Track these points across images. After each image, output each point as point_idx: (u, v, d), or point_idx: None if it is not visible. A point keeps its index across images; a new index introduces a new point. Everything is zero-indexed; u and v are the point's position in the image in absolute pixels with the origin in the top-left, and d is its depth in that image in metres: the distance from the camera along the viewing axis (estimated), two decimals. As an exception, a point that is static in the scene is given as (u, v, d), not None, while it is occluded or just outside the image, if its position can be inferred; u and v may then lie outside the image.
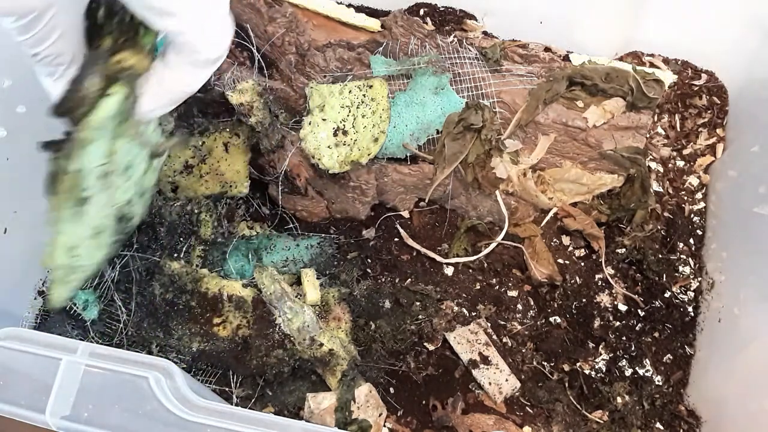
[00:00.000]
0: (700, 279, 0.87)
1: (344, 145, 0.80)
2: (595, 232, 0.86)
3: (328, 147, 0.80)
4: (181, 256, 0.79)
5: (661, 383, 0.83)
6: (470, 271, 0.87)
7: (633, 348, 0.84)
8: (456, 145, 0.82)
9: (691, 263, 0.88)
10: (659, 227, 0.89)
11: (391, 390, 0.81)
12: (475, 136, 0.81)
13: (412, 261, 0.88)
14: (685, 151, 0.94)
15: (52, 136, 0.59)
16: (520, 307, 0.86)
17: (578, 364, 0.83)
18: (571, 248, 0.88)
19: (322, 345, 0.75)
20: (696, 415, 0.81)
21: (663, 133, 0.95)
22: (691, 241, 0.89)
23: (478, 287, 0.87)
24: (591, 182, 0.86)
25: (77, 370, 0.52)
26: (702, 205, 0.91)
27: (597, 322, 0.85)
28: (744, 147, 0.87)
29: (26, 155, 0.77)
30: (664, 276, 0.87)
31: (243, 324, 0.76)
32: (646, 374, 0.83)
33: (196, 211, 0.80)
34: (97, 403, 0.51)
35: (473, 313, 0.85)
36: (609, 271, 0.87)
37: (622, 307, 0.86)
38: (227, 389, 0.78)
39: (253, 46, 0.83)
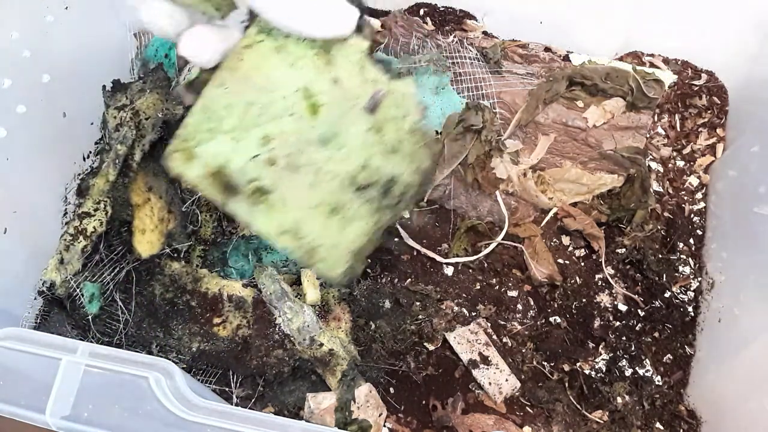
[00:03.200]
0: (700, 279, 0.87)
1: None
2: (595, 232, 0.86)
3: None
4: (181, 256, 0.79)
5: (661, 383, 0.83)
6: (470, 271, 0.87)
7: (633, 348, 0.84)
8: (456, 145, 0.82)
9: (691, 263, 0.88)
10: (659, 227, 0.89)
11: (391, 390, 0.81)
12: (475, 137, 0.81)
13: (412, 261, 0.87)
14: (685, 151, 0.94)
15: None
16: (520, 307, 0.86)
17: (578, 364, 0.83)
18: (571, 248, 0.88)
19: (322, 345, 0.75)
20: (696, 415, 0.81)
21: (663, 133, 0.95)
22: (691, 241, 0.89)
23: (478, 287, 0.87)
24: (591, 182, 0.86)
25: (77, 370, 0.52)
26: (702, 205, 0.91)
27: (597, 322, 0.85)
28: (744, 147, 0.87)
29: (26, 155, 0.77)
30: (664, 276, 0.87)
31: (243, 324, 0.76)
32: (646, 374, 0.83)
33: (196, 211, 0.80)
34: (97, 403, 0.51)
35: (473, 313, 0.85)
36: (609, 271, 0.87)
37: (622, 307, 0.86)
38: (227, 389, 0.78)
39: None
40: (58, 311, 0.78)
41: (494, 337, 0.84)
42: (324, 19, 0.56)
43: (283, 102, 0.59)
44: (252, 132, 0.59)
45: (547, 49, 0.90)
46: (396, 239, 0.88)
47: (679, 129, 0.95)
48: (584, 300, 0.86)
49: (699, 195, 0.92)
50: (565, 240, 0.89)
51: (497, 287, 0.87)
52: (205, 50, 0.57)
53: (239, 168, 0.60)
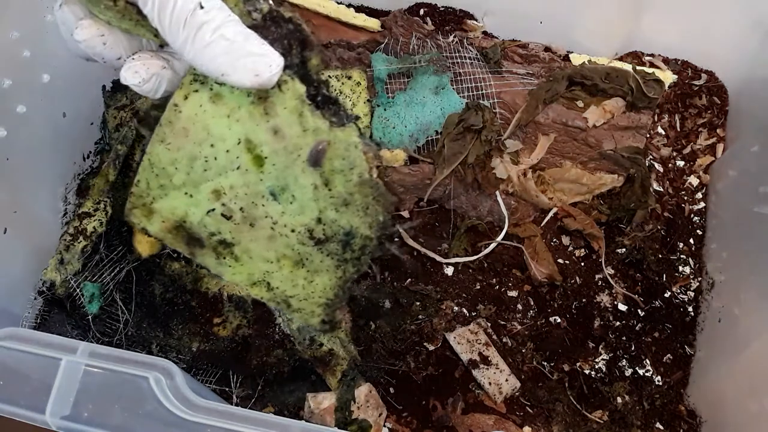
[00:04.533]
0: (700, 279, 0.87)
1: None
2: (595, 232, 0.86)
3: None
4: (181, 256, 0.79)
5: (661, 383, 0.83)
6: (470, 271, 0.87)
7: (633, 348, 0.84)
8: (456, 145, 0.82)
9: (691, 263, 0.88)
10: (659, 227, 0.89)
11: (391, 390, 0.81)
12: (475, 137, 0.81)
13: (412, 261, 0.87)
14: (685, 151, 0.94)
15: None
16: (520, 307, 0.86)
17: (578, 364, 0.83)
18: (571, 248, 0.88)
19: (322, 345, 0.75)
20: (696, 415, 0.81)
21: (663, 133, 0.95)
22: (691, 241, 0.89)
23: (478, 287, 0.87)
24: (591, 182, 0.86)
25: (77, 370, 0.52)
26: (702, 205, 0.91)
27: (597, 322, 0.85)
28: (744, 147, 0.87)
29: (26, 155, 0.77)
30: (664, 276, 0.87)
31: (243, 324, 0.77)
32: (646, 374, 0.83)
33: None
34: (97, 403, 0.51)
35: (473, 313, 0.85)
36: (609, 271, 0.87)
37: (622, 307, 0.86)
38: (227, 389, 0.78)
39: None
40: (58, 311, 0.78)
41: (494, 337, 0.84)
42: (236, 66, 0.50)
43: (226, 155, 0.56)
44: (202, 187, 0.57)
45: (547, 49, 0.90)
46: (396, 239, 0.88)
47: (679, 129, 0.95)
48: (584, 300, 0.86)
49: (699, 195, 0.92)
50: (565, 240, 0.89)
51: (497, 287, 0.87)
52: (147, 79, 0.53)
53: (198, 222, 0.58)
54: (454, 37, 0.88)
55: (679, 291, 0.87)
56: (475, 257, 0.86)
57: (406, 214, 0.89)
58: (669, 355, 0.84)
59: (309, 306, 0.64)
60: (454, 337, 0.82)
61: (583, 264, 0.88)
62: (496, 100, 0.83)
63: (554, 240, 0.88)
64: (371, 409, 0.75)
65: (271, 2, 0.54)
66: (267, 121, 0.56)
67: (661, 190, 0.92)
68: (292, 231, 0.60)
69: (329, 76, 0.80)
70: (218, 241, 0.59)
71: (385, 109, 0.84)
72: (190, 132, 0.55)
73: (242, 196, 0.58)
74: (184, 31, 0.49)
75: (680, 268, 0.88)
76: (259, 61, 0.51)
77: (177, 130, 0.55)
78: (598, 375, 0.83)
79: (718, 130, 0.94)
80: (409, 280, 0.86)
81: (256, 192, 0.58)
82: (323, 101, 0.57)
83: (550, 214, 0.88)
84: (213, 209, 0.58)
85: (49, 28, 0.77)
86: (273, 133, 0.56)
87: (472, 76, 0.84)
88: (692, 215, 0.91)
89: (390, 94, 0.84)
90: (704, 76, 0.96)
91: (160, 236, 0.59)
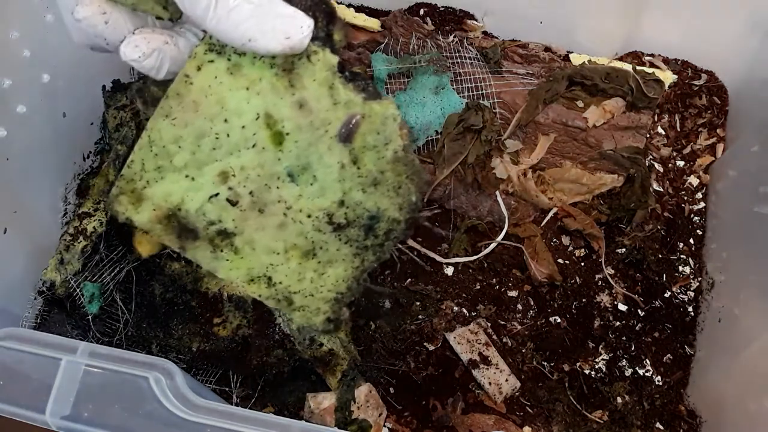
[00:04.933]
0: (700, 279, 0.87)
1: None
2: (595, 232, 0.86)
3: None
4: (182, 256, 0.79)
5: (661, 383, 0.83)
6: (470, 271, 0.87)
7: (633, 348, 0.84)
8: (456, 145, 0.82)
9: (691, 263, 0.88)
10: (659, 227, 0.89)
11: (391, 390, 0.81)
12: (475, 137, 0.81)
13: (412, 261, 0.87)
14: (685, 151, 0.94)
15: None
16: (520, 307, 0.86)
17: (578, 364, 0.83)
18: (571, 248, 0.88)
19: (322, 345, 0.75)
20: (696, 415, 0.81)
21: (663, 133, 0.95)
22: (691, 241, 0.89)
23: (478, 287, 0.87)
24: (591, 182, 0.86)
25: (77, 370, 0.52)
26: (702, 205, 0.91)
27: (597, 322, 0.85)
28: (744, 147, 0.87)
29: (26, 155, 0.77)
30: (664, 276, 0.87)
31: (243, 324, 0.76)
32: (646, 374, 0.83)
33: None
34: (97, 403, 0.51)
35: (473, 313, 0.85)
36: (609, 271, 0.87)
37: (622, 307, 0.86)
38: (227, 389, 0.78)
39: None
40: (58, 311, 0.78)
41: (494, 337, 0.84)
42: (264, 30, 0.47)
43: (241, 132, 0.52)
44: (207, 168, 0.53)
45: (547, 49, 0.90)
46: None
47: (679, 129, 0.95)
48: (584, 300, 0.86)
49: (699, 195, 0.92)
50: (565, 240, 0.89)
51: (497, 287, 0.87)
52: (148, 54, 0.49)
53: (196, 209, 0.54)
54: (454, 37, 0.88)
55: (679, 291, 0.87)
56: (475, 257, 0.86)
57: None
58: (669, 355, 0.84)
59: (314, 302, 0.60)
60: (454, 337, 0.82)
61: (583, 264, 0.88)
62: (496, 100, 0.83)
63: (554, 240, 0.88)
64: (371, 409, 0.76)
65: None
66: (292, 94, 0.52)
67: (661, 190, 0.92)
68: (308, 216, 0.56)
69: None
70: (217, 231, 0.55)
71: (385, 109, 0.84)
72: (201, 106, 0.51)
73: (254, 177, 0.53)
74: None
75: (680, 268, 0.88)
76: (290, 22, 0.48)
77: (186, 103, 0.51)
78: (598, 375, 0.83)
79: (718, 130, 0.95)
80: (409, 280, 0.86)
81: (272, 173, 0.54)
82: (351, 76, 0.53)
83: (550, 214, 0.88)
84: (217, 194, 0.53)
85: (49, 28, 0.77)
86: (298, 107, 0.52)
87: (472, 76, 0.84)
88: (692, 215, 0.91)
89: (390, 94, 0.84)
90: (704, 76, 0.96)
91: (147, 228, 0.54)
